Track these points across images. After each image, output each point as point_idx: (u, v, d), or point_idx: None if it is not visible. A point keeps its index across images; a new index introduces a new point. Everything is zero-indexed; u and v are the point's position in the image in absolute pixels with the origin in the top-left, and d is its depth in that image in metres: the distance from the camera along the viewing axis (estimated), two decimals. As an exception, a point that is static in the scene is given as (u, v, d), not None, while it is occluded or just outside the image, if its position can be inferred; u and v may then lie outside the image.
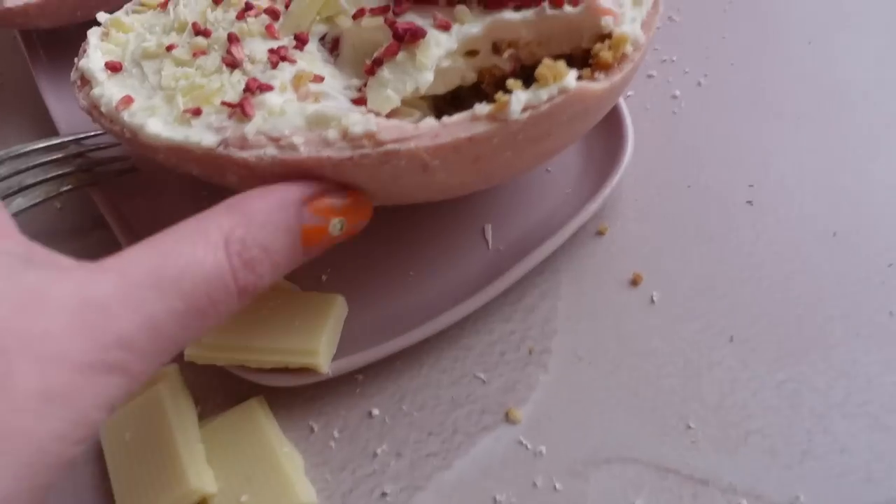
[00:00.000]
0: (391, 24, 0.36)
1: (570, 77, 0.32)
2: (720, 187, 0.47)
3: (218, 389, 0.42)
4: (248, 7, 0.41)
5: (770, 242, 0.44)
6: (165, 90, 0.38)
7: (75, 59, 0.42)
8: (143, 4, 0.46)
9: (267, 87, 0.36)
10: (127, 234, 0.46)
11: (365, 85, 0.37)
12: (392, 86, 0.36)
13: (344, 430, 0.40)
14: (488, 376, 0.41)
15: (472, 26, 0.37)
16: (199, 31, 0.40)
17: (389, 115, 0.35)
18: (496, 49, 0.38)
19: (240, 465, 0.37)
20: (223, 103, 0.36)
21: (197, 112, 0.36)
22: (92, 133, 0.49)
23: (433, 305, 0.42)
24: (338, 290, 0.42)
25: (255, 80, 0.36)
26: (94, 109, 0.39)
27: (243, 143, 0.34)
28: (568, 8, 0.36)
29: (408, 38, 0.36)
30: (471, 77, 0.39)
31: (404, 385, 0.41)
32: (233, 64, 0.38)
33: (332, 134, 0.32)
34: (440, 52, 0.36)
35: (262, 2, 0.41)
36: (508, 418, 0.40)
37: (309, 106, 0.35)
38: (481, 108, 0.32)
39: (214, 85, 0.37)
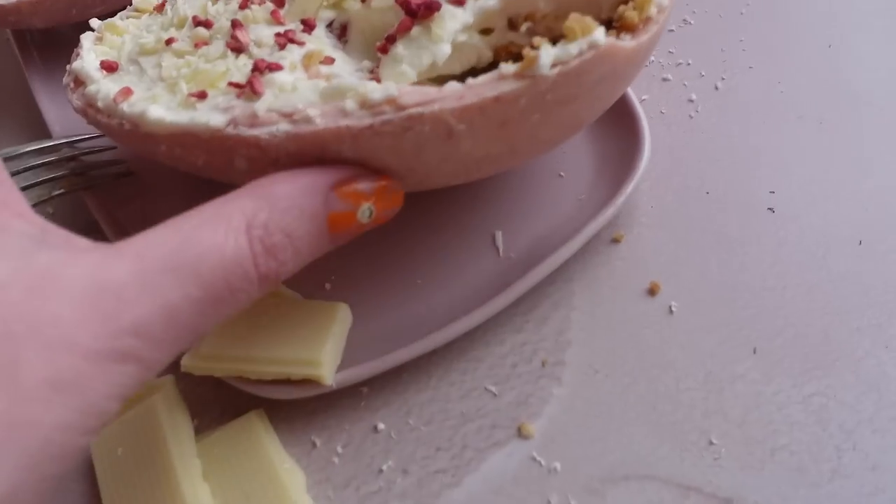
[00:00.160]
0: (403, 3, 0.35)
1: (599, 32, 0.30)
2: (740, 193, 0.46)
3: (216, 402, 0.41)
4: None
5: (793, 251, 0.43)
6: (167, 81, 0.37)
7: (67, 67, 0.41)
8: (137, 10, 0.45)
9: (276, 67, 0.34)
10: (121, 239, 0.44)
11: (377, 67, 0.35)
12: (408, 61, 0.34)
13: (348, 446, 0.39)
14: (499, 389, 0.40)
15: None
16: (200, 23, 0.39)
17: None
18: (512, 25, 0.37)
19: (238, 481, 0.36)
20: (230, 84, 0.34)
21: (202, 95, 0.34)
22: (86, 136, 0.48)
23: (441, 315, 0.41)
24: (342, 298, 0.41)
25: (262, 60, 0.35)
26: (89, 108, 0.38)
27: (254, 121, 0.32)
28: None
29: (422, 13, 0.34)
30: (486, 55, 0.37)
31: (411, 398, 0.40)
32: (238, 48, 0.37)
33: (349, 104, 0.31)
34: (456, 25, 0.35)
35: None
36: (521, 433, 0.38)
37: (322, 82, 0.33)
38: (508, 68, 0.30)
39: (220, 69, 0.36)
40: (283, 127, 0.31)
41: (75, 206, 0.49)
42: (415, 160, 0.32)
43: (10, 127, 0.56)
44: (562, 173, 0.46)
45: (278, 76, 0.33)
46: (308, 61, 0.35)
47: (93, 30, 0.43)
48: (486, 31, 0.37)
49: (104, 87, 0.38)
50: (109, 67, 0.40)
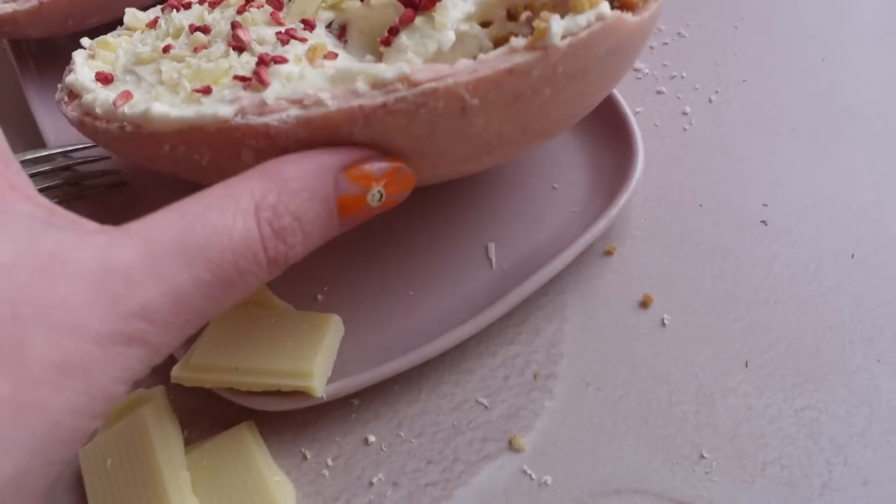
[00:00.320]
0: None
1: (605, 5, 0.31)
2: (733, 206, 0.46)
3: (206, 413, 0.40)
4: (249, 1, 0.40)
5: (786, 264, 0.43)
6: (168, 83, 0.36)
7: (59, 85, 0.41)
8: (129, 28, 0.45)
9: (281, 59, 0.34)
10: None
11: (380, 61, 0.35)
12: (413, 49, 0.34)
13: (338, 458, 0.39)
14: (491, 402, 0.39)
15: None
16: (198, 29, 0.39)
17: None
18: (511, 17, 0.37)
19: (227, 493, 0.36)
20: (235, 77, 0.34)
21: (207, 91, 0.34)
22: (80, 146, 0.48)
23: (433, 327, 0.40)
24: (334, 309, 0.40)
25: (266, 54, 0.34)
26: (86, 116, 0.38)
27: (262, 109, 0.32)
28: None
29: (424, 4, 0.34)
30: (487, 46, 0.37)
31: (402, 410, 0.40)
32: (240, 47, 0.36)
33: (361, 86, 0.31)
34: (458, 14, 0.35)
35: None
36: (512, 446, 0.38)
37: (329, 70, 0.33)
38: (519, 41, 0.30)
39: (223, 66, 0.35)
40: (294, 112, 0.31)
41: (69, 216, 0.49)
42: (427, 141, 0.32)
43: (5, 136, 0.55)
44: (555, 185, 0.46)
45: (284, 67, 0.33)
46: (312, 54, 0.35)
47: (84, 48, 0.43)
48: (485, 24, 0.37)
49: (102, 95, 0.37)
50: (105, 79, 0.39)
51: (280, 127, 0.31)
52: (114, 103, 0.36)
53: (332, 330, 0.39)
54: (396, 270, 0.44)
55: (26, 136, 0.54)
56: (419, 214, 0.45)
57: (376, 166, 0.31)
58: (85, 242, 0.25)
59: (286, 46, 0.36)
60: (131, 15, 0.45)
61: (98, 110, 0.37)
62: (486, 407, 0.39)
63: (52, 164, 0.47)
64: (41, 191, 0.45)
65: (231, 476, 0.36)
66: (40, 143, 0.51)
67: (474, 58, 0.34)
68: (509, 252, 0.44)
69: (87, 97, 0.38)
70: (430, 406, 0.40)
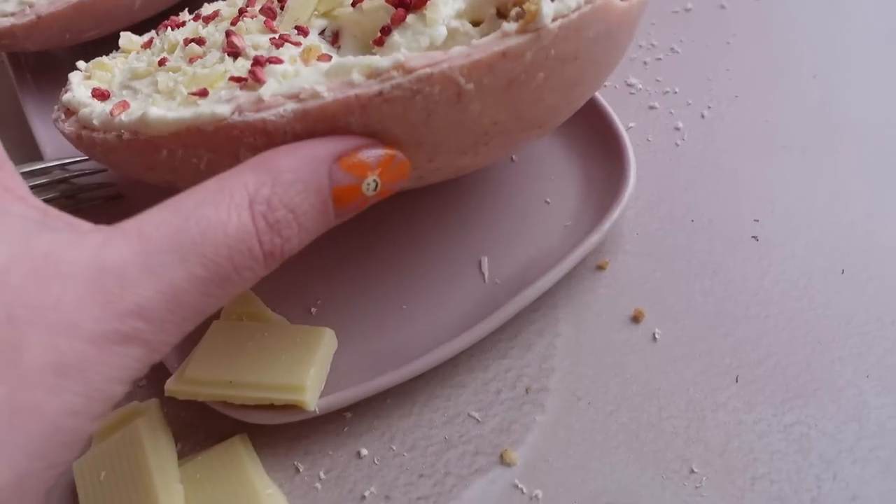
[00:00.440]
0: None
1: None
2: (724, 222, 0.46)
3: (199, 426, 0.40)
4: (243, 12, 0.40)
5: (776, 279, 0.43)
6: (164, 92, 0.37)
7: (55, 106, 0.41)
8: (124, 51, 0.45)
9: (276, 60, 0.34)
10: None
11: None
12: (405, 46, 0.34)
13: (331, 471, 0.39)
14: (483, 416, 0.40)
15: None
16: (193, 40, 0.39)
17: None
18: (500, 14, 0.37)
19: (220, 507, 0.36)
20: (231, 79, 0.34)
21: (203, 93, 0.34)
22: (77, 159, 0.48)
23: (426, 340, 0.40)
24: (327, 323, 0.41)
25: (261, 56, 0.35)
26: (83, 130, 0.38)
27: (259, 106, 0.32)
28: None
29: (415, 3, 0.35)
30: None
31: (395, 424, 0.40)
32: (235, 52, 0.37)
33: (356, 77, 0.31)
34: (449, 11, 0.35)
35: (255, 9, 0.40)
36: (503, 460, 0.38)
37: (324, 66, 0.33)
38: (510, 25, 0.31)
39: (219, 70, 0.36)
40: (290, 106, 0.31)
41: (65, 229, 0.49)
42: (424, 129, 0.32)
43: (3, 147, 0.56)
44: (548, 200, 0.46)
45: (279, 67, 0.33)
46: (307, 55, 0.35)
47: (80, 70, 0.44)
48: (476, 23, 0.37)
49: (98, 108, 0.38)
50: (101, 95, 0.40)
51: (277, 122, 0.31)
52: (111, 113, 0.36)
53: (326, 344, 0.39)
54: (390, 284, 0.44)
55: (23, 148, 0.54)
56: (413, 229, 0.45)
57: (371, 154, 0.31)
58: (79, 243, 0.25)
59: (281, 49, 0.36)
60: (126, 38, 0.45)
61: (95, 122, 0.37)
62: (477, 421, 0.39)
63: (48, 176, 0.47)
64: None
65: (224, 489, 0.36)
66: (37, 155, 0.51)
67: None
68: (502, 266, 0.44)
69: (84, 111, 0.38)
70: (422, 420, 0.40)
